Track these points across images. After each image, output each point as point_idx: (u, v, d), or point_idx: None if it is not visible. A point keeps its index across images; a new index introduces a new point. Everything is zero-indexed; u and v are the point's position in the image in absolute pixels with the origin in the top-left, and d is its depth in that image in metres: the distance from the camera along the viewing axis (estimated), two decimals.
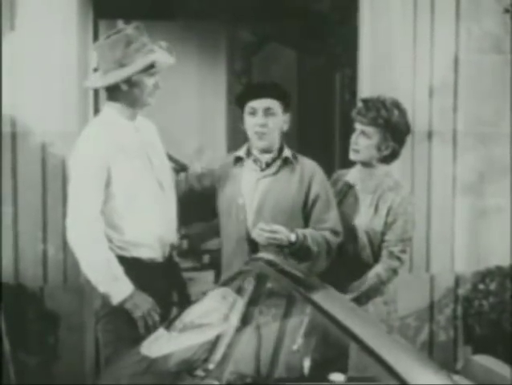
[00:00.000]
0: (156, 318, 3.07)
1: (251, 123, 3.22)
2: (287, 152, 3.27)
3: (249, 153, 3.29)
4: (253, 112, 3.22)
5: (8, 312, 4.01)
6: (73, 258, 4.13)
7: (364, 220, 3.25)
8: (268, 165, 3.25)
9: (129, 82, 3.10)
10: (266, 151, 3.25)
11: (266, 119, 3.21)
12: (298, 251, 3.12)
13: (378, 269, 3.22)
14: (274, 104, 3.22)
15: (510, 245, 4.56)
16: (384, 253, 3.23)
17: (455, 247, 4.68)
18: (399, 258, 3.23)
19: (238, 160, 3.31)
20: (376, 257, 3.26)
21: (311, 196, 3.21)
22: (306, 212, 3.22)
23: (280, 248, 3.09)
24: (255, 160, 3.26)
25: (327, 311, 2.24)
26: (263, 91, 3.27)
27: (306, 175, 3.23)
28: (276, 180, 3.23)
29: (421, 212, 4.45)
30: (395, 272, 3.25)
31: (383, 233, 3.23)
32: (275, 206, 3.18)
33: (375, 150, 3.25)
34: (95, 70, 3.17)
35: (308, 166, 3.27)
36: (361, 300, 3.22)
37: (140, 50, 3.08)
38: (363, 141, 3.24)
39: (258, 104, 3.21)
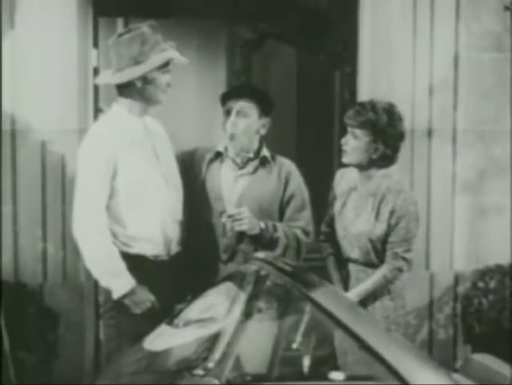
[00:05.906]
0: (155, 315, 3.07)
1: (225, 123, 3.31)
2: (265, 152, 3.36)
3: (226, 151, 3.36)
4: (228, 113, 3.30)
5: (7, 310, 4.01)
6: (73, 256, 4.19)
7: (366, 226, 3.23)
8: (244, 164, 3.33)
9: (144, 79, 3.14)
10: (237, 151, 3.32)
11: (237, 120, 3.29)
12: (269, 241, 3.22)
13: (384, 271, 3.23)
14: (248, 106, 3.29)
15: (510, 243, 4.56)
16: (389, 254, 3.23)
17: (455, 245, 4.68)
18: (404, 258, 3.22)
19: (218, 154, 3.38)
20: (381, 258, 3.26)
21: (287, 195, 3.32)
22: (281, 211, 3.33)
23: (253, 238, 3.20)
24: (232, 159, 3.34)
25: (327, 309, 2.24)
26: (239, 92, 3.37)
27: (283, 175, 3.33)
28: (254, 179, 3.32)
29: (421, 211, 4.43)
30: (400, 270, 3.24)
31: (386, 235, 3.22)
32: (253, 204, 3.25)
33: (363, 152, 3.21)
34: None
35: (286, 166, 3.37)
36: (368, 301, 3.23)
37: (154, 48, 3.13)
38: (352, 142, 3.22)
39: (233, 105, 3.29)
